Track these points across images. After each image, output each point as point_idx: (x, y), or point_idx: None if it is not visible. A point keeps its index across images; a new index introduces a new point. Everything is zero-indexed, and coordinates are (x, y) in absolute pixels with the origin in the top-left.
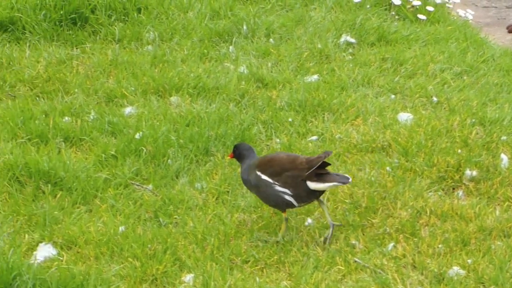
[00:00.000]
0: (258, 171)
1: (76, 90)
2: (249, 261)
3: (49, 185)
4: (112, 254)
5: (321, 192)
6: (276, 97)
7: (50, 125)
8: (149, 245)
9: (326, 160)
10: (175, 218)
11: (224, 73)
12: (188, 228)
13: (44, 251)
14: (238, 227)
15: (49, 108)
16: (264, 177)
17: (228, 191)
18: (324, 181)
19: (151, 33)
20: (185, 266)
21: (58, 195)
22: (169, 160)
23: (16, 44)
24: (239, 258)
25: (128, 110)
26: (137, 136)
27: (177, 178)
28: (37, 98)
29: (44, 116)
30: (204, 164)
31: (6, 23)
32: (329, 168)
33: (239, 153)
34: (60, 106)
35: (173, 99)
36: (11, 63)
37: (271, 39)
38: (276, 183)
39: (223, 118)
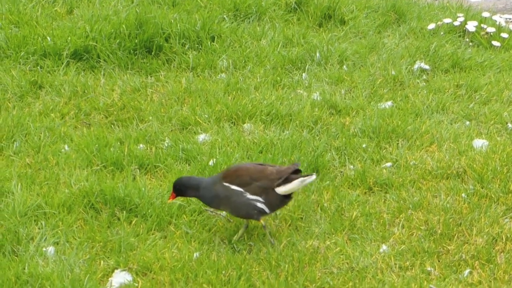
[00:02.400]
0: (226, 182)
1: (150, 117)
2: (323, 287)
3: (124, 211)
4: (187, 280)
5: (290, 197)
6: (350, 123)
7: (125, 152)
8: (223, 271)
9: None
10: (249, 244)
11: (297, 100)
12: (262, 254)
13: (120, 277)
14: (312, 254)
15: (123, 135)
16: (233, 187)
17: (301, 218)
18: (289, 181)
19: (224, 61)
20: None
21: (133, 222)
22: None
23: (91, 73)
24: (313, 285)
25: (201, 137)
26: (210, 163)
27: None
28: (112, 126)
29: (119, 143)
30: None
31: (81, 51)
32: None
33: (180, 187)
34: (134, 134)
35: (246, 126)
36: (86, 91)
37: (344, 66)
38: (246, 192)
39: (296, 144)
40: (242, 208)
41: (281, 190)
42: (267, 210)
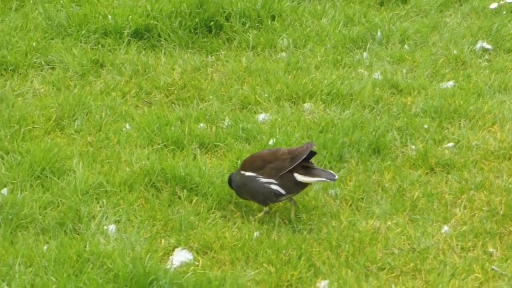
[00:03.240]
0: (241, 171)
1: (210, 97)
2: (384, 268)
3: (185, 190)
4: (247, 259)
5: (307, 184)
6: (411, 103)
7: (186, 131)
8: (283, 251)
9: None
10: (309, 224)
11: (358, 80)
12: (322, 234)
13: (180, 256)
14: (372, 234)
15: (184, 114)
16: (248, 173)
17: (362, 198)
18: (312, 175)
19: (285, 40)
20: (320, 272)
21: (194, 201)
22: None
23: (151, 52)
24: (374, 265)
25: (261, 116)
26: (270, 142)
27: (310, 184)
28: (173, 105)
29: (179, 122)
30: (338, 171)
31: (142, 30)
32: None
33: (229, 182)
34: (195, 113)
35: (307, 105)
36: (146, 70)
37: (405, 45)
38: (260, 176)
39: (357, 124)
40: (258, 192)
41: (301, 178)
42: (282, 191)
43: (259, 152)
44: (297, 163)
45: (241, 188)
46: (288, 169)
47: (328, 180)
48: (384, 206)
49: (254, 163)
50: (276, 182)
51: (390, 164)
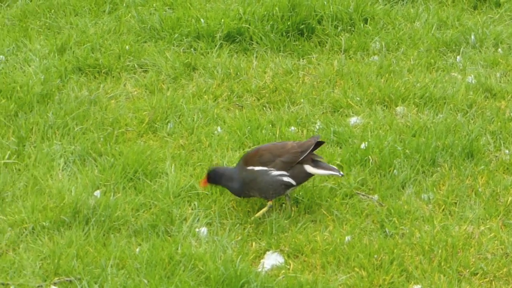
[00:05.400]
0: (249, 166)
1: (302, 100)
2: (477, 273)
3: None
4: (339, 263)
5: (312, 175)
6: (505, 107)
7: (277, 134)
8: (375, 255)
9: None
10: (401, 228)
11: (451, 83)
12: (414, 239)
13: (271, 259)
14: (465, 239)
15: (275, 117)
16: (257, 168)
17: (455, 203)
18: (322, 168)
19: (377, 43)
20: (412, 277)
21: (284, 204)
22: (395, 171)
23: (243, 55)
24: (467, 270)
25: (353, 120)
26: (362, 146)
27: (403, 188)
28: (264, 108)
29: (270, 125)
30: (431, 175)
31: (234, 34)
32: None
33: (217, 177)
34: (286, 116)
35: (399, 109)
36: (238, 73)
37: (499, 49)
38: (272, 168)
39: (450, 128)
40: (269, 186)
41: (311, 170)
42: (293, 182)
43: (260, 146)
44: (305, 154)
45: (248, 184)
46: (298, 161)
47: (336, 174)
48: (478, 210)
49: (262, 157)
50: (288, 174)
51: (483, 169)
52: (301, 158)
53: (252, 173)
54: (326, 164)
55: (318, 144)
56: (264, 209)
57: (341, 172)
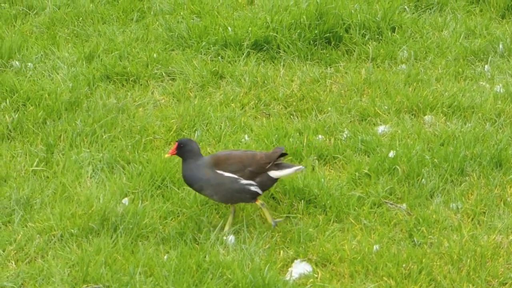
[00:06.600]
0: (219, 170)
1: (329, 108)
2: (506, 283)
3: (303, 202)
4: (367, 272)
5: (277, 180)
6: None
7: (304, 143)
8: (404, 265)
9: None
10: (430, 238)
11: (479, 92)
12: (443, 248)
13: (299, 268)
14: (494, 248)
15: (302, 126)
16: (227, 174)
17: (484, 212)
18: (286, 168)
19: (405, 51)
20: (440, 286)
21: (312, 213)
22: (423, 180)
23: (270, 63)
24: (496, 280)
25: (381, 128)
26: (390, 154)
27: (431, 197)
28: (291, 116)
29: (298, 134)
30: (459, 184)
31: (261, 42)
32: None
33: (186, 150)
34: (313, 124)
35: (427, 118)
36: (265, 81)
37: None
38: (241, 178)
39: (479, 137)
40: (235, 193)
41: (276, 174)
42: (260, 191)
43: (232, 152)
44: (270, 164)
45: (212, 185)
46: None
47: (300, 168)
48: (506, 220)
49: (231, 165)
50: (255, 184)
51: None
52: (267, 167)
53: (221, 178)
54: (288, 164)
55: (282, 155)
56: (266, 212)
57: (303, 167)
